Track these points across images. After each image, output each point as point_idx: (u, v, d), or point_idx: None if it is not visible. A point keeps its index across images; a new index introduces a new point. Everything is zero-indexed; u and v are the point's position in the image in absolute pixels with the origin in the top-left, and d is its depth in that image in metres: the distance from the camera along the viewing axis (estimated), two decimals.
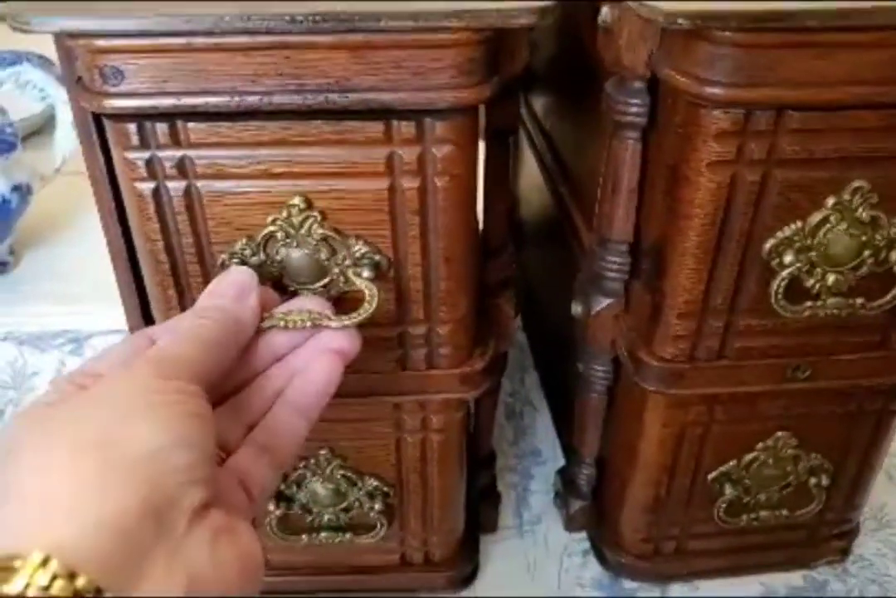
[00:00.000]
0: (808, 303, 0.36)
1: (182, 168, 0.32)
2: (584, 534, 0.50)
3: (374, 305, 0.33)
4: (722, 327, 0.37)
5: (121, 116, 0.31)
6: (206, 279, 0.35)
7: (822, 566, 0.49)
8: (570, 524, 0.50)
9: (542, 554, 0.49)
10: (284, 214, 0.33)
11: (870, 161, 0.33)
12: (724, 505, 0.44)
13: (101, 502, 0.23)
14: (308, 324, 0.32)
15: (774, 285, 0.35)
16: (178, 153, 0.32)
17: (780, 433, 0.42)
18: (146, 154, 0.32)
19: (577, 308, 0.43)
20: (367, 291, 0.33)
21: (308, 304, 0.33)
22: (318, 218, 0.33)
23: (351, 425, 0.40)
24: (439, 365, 0.39)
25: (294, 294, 0.35)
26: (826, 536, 0.48)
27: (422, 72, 0.30)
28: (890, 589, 0.48)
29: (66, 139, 0.74)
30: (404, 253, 0.35)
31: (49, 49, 0.35)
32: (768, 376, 0.39)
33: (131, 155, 0.32)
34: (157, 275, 0.35)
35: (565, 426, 0.52)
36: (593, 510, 0.49)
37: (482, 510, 0.48)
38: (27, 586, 0.20)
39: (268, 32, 0.29)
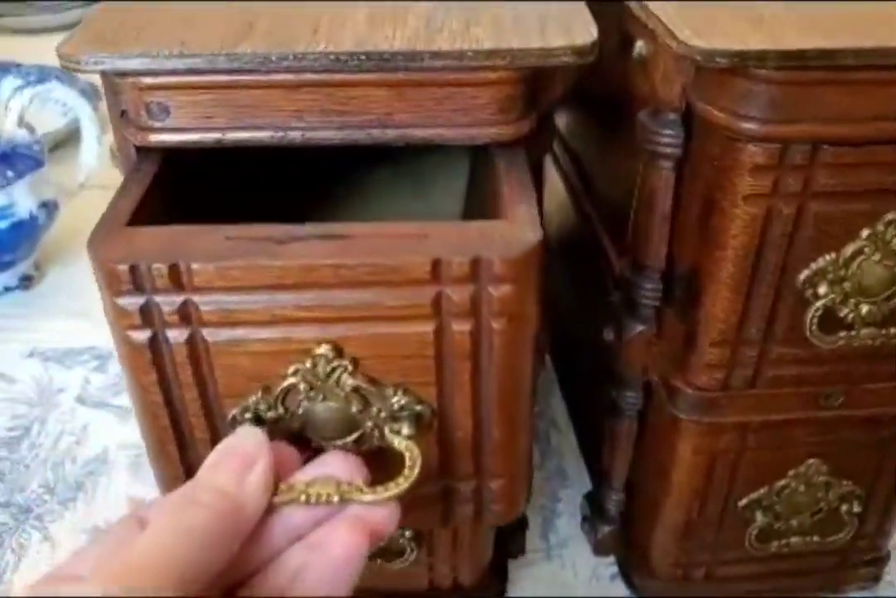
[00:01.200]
0: (842, 333, 0.36)
1: (186, 315, 0.28)
2: (611, 558, 0.50)
3: (416, 472, 0.28)
4: (756, 356, 0.37)
5: (110, 258, 0.27)
6: (214, 435, 0.31)
7: (852, 592, 0.49)
8: (599, 549, 0.50)
9: (570, 578, 0.49)
10: (308, 364, 0.29)
11: None
12: (755, 532, 0.44)
13: None
14: (335, 499, 0.27)
15: (809, 316, 0.35)
16: (180, 298, 0.28)
17: (811, 460, 0.42)
18: (140, 299, 0.28)
19: (609, 334, 0.43)
20: (407, 454, 0.28)
21: (335, 468, 0.28)
22: (349, 367, 0.29)
23: None
24: (488, 521, 0.35)
25: (317, 451, 0.30)
26: (857, 562, 0.48)
27: (462, 109, 0.30)
28: None
29: (91, 155, 0.75)
30: (451, 402, 0.31)
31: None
32: (801, 403, 0.39)
33: (123, 301, 0.28)
34: (154, 430, 0.31)
35: (593, 450, 0.52)
36: (621, 534, 0.49)
37: (510, 535, 0.49)
38: None
39: (312, 70, 0.29)
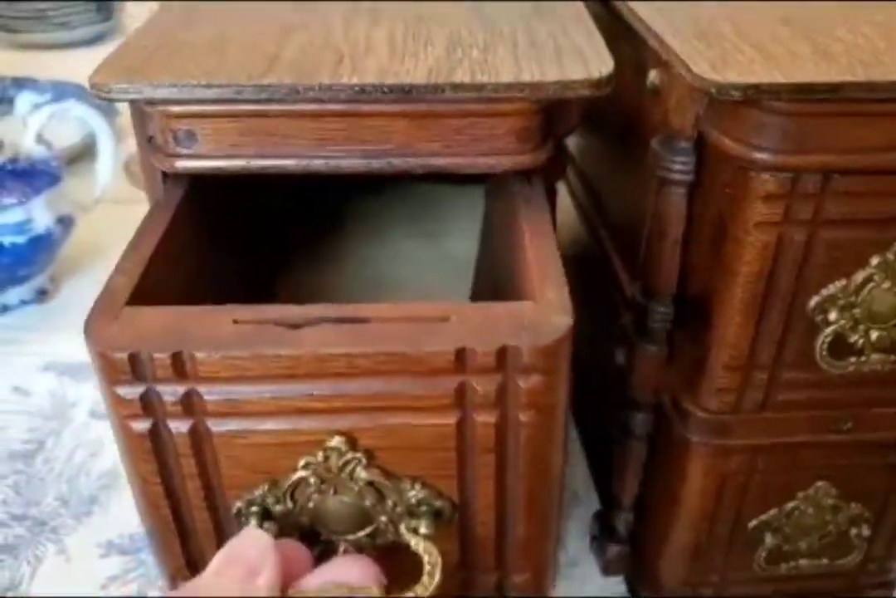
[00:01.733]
0: (852, 359, 0.37)
1: (189, 406, 0.27)
2: (620, 578, 0.50)
3: (437, 577, 0.27)
4: (766, 380, 0.38)
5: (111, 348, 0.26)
6: (217, 527, 0.30)
7: None
8: (608, 568, 0.50)
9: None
10: (320, 456, 0.28)
11: None
12: (764, 553, 0.44)
13: None
14: None
15: (819, 341, 0.36)
16: (182, 389, 0.27)
17: (820, 483, 0.43)
18: (140, 388, 0.27)
19: (620, 356, 0.43)
20: (425, 557, 0.27)
21: (348, 573, 0.27)
22: (363, 460, 0.28)
23: None
24: None
25: (328, 547, 0.29)
26: (866, 585, 0.48)
27: (481, 139, 0.31)
28: None
29: (107, 171, 0.76)
30: (473, 496, 0.29)
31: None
32: (811, 427, 0.40)
33: (121, 391, 0.27)
34: (155, 520, 0.30)
35: (602, 471, 0.52)
36: (631, 554, 0.49)
37: None
38: None
39: (337, 101, 0.30)
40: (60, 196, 0.70)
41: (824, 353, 0.36)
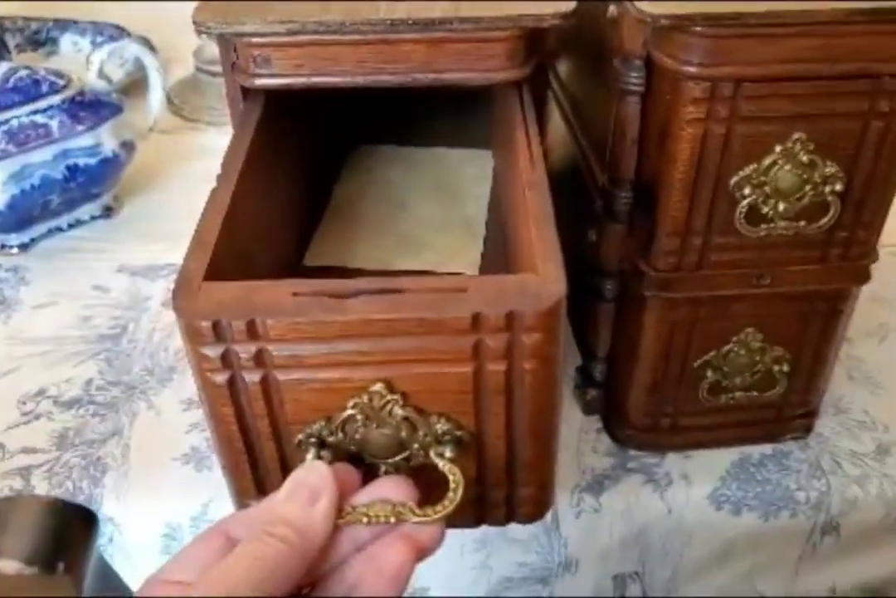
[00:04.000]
0: (764, 225, 0.48)
1: (261, 360, 0.33)
2: (597, 417, 0.63)
3: (459, 494, 0.32)
4: (700, 244, 0.49)
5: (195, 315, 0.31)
6: (282, 456, 0.37)
7: (788, 440, 0.61)
8: (588, 409, 0.63)
9: (564, 431, 0.61)
10: (365, 398, 0.33)
11: (806, 118, 0.45)
12: (706, 387, 0.56)
13: None
14: (392, 519, 0.31)
15: (738, 211, 0.47)
16: (255, 347, 0.32)
17: (749, 329, 0.54)
18: (220, 348, 0.32)
19: (592, 235, 0.55)
20: (451, 477, 0.33)
21: (390, 491, 0.32)
22: (400, 401, 0.34)
23: None
24: (518, 520, 0.41)
25: (371, 468, 0.35)
26: (791, 415, 0.60)
27: (480, 58, 0.42)
28: (840, 457, 0.61)
29: (157, 102, 0.87)
30: (487, 428, 0.35)
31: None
32: (737, 282, 0.51)
33: (205, 350, 0.32)
34: (231, 453, 0.36)
35: (582, 334, 0.64)
36: (605, 396, 0.62)
37: None
38: None
39: (374, 32, 0.41)
40: (123, 124, 0.80)
41: (742, 221, 0.48)
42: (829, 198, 0.47)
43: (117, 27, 1.14)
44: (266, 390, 0.33)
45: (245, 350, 0.32)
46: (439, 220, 0.68)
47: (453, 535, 0.58)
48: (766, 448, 0.61)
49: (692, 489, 0.59)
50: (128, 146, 0.81)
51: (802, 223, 0.48)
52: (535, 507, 0.40)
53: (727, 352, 0.55)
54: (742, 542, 0.60)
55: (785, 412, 0.60)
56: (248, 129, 0.43)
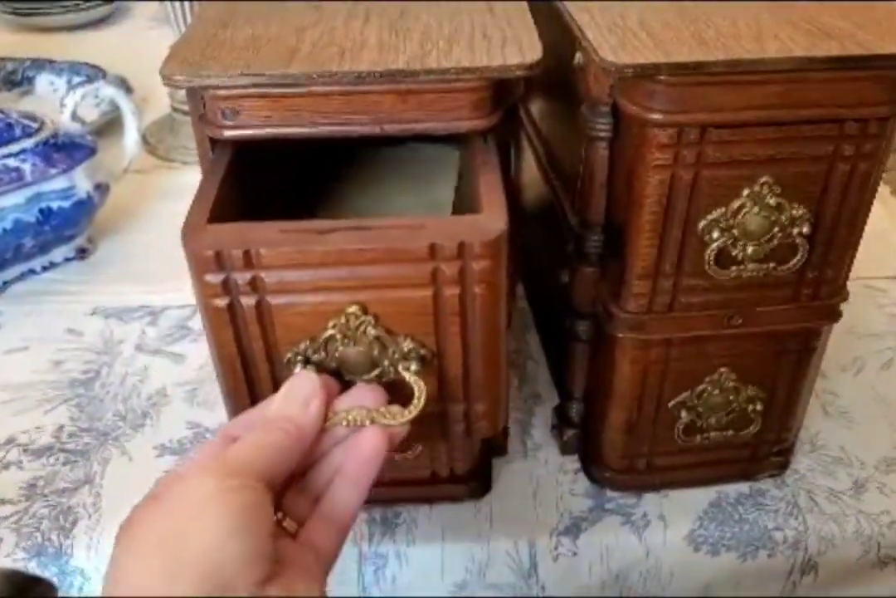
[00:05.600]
0: (734, 267, 0.49)
1: (255, 286, 0.39)
2: (575, 457, 0.63)
3: (423, 401, 0.38)
4: (671, 286, 0.50)
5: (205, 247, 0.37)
6: (273, 375, 0.42)
7: (764, 478, 0.61)
8: (564, 449, 0.63)
9: (542, 472, 0.62)
10: (343, 320, 0.39)
11: (772, 162, 0.46)
12: (681, 427, 0.56)
13: (174, 588, 0.31)
14: (367, 422, 0.38)
15: (707, 255, 0.48)
16: (250, 274, 0.38)
17: (722, 369, 0.55)
18: (221, 276, 0.38)
19: (564, 277, 0.55)
20: (416, 387, 0.39)
21: (365, 398, 0.39)
22: (372, 322, 0.39)
23: None
24: (476, 435, 0.46)
25: (349, 384, 0.41)
26: (766, 453, 0.60)
27: (447, 109, 0.42)
28: (817, 494, 0.60)
29: (133, 144, 0.87)
30: (446, 347, 0.41)
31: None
32: (710, 323, 0.52)
33: (209, 277, 0.38)
34: (229, 373, 0.42)
35: (559, 373, 0.64)
36: (582, 437, 0.62)
37: (495, 438, 0.61)
38: None
39: (341, 84, 0.41)
40: (97, 166, 0.80)
41: (711, 263, 0.48)
42: (798, 239, 0.48)
43: (94, 67, 1.14)
44: (260, 314, 0.39)
45: (242, 277, 0.38)
46: (411, 205, 0.69)
47: (432, 578, 0.58)
48: (743, 487, 0.61)
49: (669, 531, 0.58)
50: (102, 188, 0.81)
51: (772, 265, 0.49)
52: (490, 422, 0.45)
53: (701, 392, 0.56)
54: (721, 583, 0.60)
55: (760, 451, 0.60)
56: (217, 177, 0.43)
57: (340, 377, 0.41)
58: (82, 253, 0.85)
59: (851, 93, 0.44)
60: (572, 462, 0.63)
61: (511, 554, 0.58)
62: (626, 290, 0.50)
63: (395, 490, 0.59)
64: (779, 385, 0.56)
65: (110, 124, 1.01)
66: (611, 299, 0.52)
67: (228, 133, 0.43)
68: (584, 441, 0.62)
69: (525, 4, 0.49)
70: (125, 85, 1.09)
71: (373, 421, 0.37)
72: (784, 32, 0.44)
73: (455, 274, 0.39)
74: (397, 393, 0.40)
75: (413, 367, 0.40)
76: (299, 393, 0.39)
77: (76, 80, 1.10)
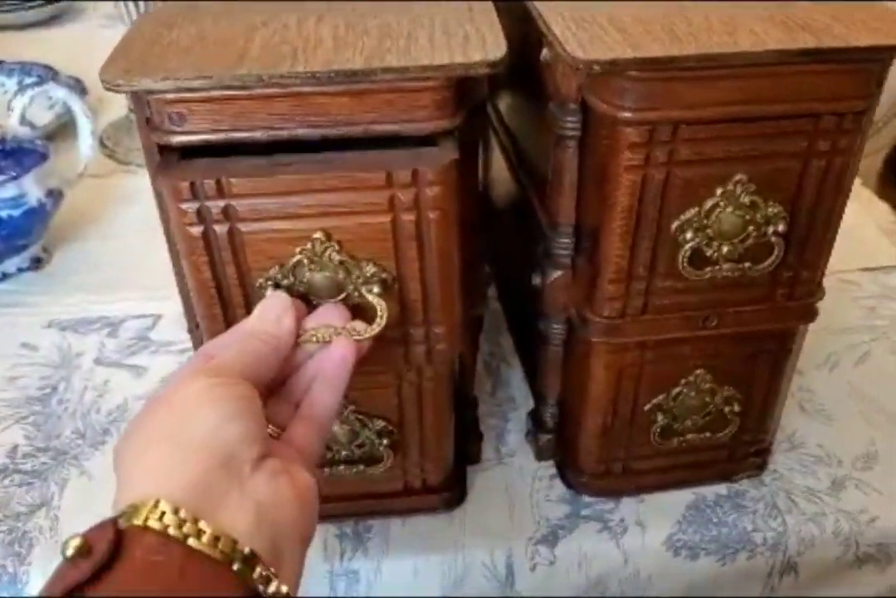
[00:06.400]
0: (708, 268, 0.47)
1: (227, 214, 0.41)
2: (550, 462, 0.61)
3: (385, 319, 0.41)
4: (644, 289, 0.48)
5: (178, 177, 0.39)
6: (246, 299, 0.44)
7: (742, 479, 0.60)
8: (540, 454, 0.61)
9: (517, 479, 0.60)
10: (309, 245, 0.41)
11: (746, 159, 0.44)
12: (658, 430, 0.55)
13: (185, 468, 0.34)
14: (335, 338, 0.41)
15: (681, 256, 0.46)
16: (223, 203, 0.40)
17: (698, 371, 0.53)
18: (196, 204, 0.40)
19: (536, 279, 0.54)
20: (378, 308, 0.41)
21: (331, 317, 0.41)
22: (336, 247, 0.42)
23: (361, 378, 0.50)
24: (435, 360, 0.48)
25: (316, 307, 0.43)
26: (744, 454, 0.59)
27: (407, 109, 0.40)
28: (796, 494, 0.60)
29: (87, 147, 0.84)
30: (405, 271, 0.43)
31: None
32: (684, 325, 0.50)
33: (184, 205, 0.40)
34: (205, 298, 0.44)
35: (533, 377, 0.63)
36: (557, 442, 0.60)
37: (468, 445, 0.60)
38: (146, 519, 0.32)
39: (295, 85, 0.39)
40: (48, 172, 0.77)
41: (685, 264, 0.47)
42: (773, 238, 0.47)
43: (46, 67, 1.10)
44: (232, 241, 0.41)
45: (215, 205, 0.40)
46: None
47: (407, 593, 0.56)
48: (721, 488, 0.60)
49: (648, 536, 0.57)
50: (55, 195, 0.78)
51: (747, 265, 0.47)
52: (448, 344, 0.47)
53: (677, 395, 0.54)
54: (701, 586, 0.59)
55: (738, 451, 0.59)
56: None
57: (308, 302, 0.43)
58: (37, 263, 0.82)
59: (827, 87, 0.43)
60: (548, 468, 0.61)
61: (487, 565, 0.56)
62: (599, 293, 0.49)
63: (367, 504, 0.57)
64: (755, 386, 0.55)
65: (65, 127, 0.97)
66: (584, 303, 0.50)
67: (176, 139, 0.41)
68: (560, 447, 0.60)
69: (490, 3, 0.47)
70: (79, 86, 1.06)
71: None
72: (759, 26, 0.42)
73: (411, 201, 0.41)
74: (362, 316, 0.42)
75: (375, 289, 0.42)
76: (272, 311, 0.41)
77: (27, 81, 1.07)
